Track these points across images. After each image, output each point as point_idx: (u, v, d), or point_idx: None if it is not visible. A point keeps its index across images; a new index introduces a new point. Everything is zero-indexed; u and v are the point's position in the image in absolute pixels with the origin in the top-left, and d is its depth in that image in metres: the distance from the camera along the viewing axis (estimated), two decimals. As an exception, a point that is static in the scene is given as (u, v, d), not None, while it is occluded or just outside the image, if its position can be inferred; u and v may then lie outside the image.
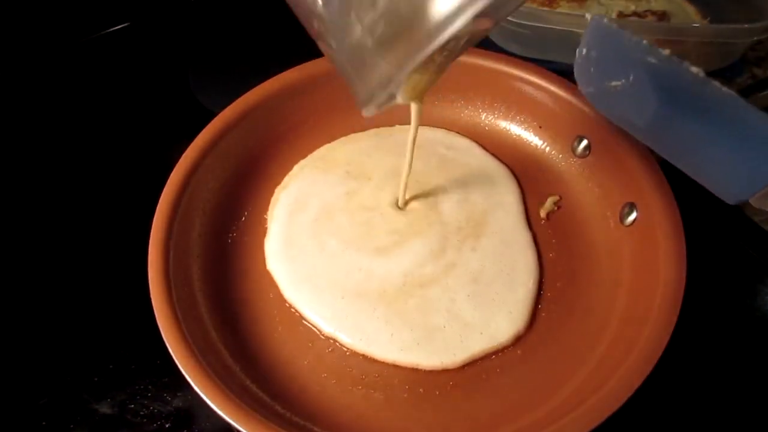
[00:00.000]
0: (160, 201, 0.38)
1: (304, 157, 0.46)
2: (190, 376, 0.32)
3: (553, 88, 0.44)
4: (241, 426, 0.31)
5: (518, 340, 0.37)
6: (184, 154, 0.41)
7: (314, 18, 0.26)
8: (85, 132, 0.51)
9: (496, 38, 0.54)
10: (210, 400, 0.32)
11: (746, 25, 0.47)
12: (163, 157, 0.41)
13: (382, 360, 0.36)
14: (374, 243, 0.40)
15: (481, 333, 0.37)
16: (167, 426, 0.35)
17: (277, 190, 0.44)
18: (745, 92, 0.48)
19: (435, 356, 0.36)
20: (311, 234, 0.41)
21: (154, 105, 0.53)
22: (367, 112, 0.28)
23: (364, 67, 0.25)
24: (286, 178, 0.44)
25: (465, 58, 0.42)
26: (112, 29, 0.59)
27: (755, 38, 0.48)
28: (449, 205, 0.42)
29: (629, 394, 0.31)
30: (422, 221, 0.41)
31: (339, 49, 0.26)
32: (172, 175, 0.39)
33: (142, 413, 0.36)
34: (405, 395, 0.35)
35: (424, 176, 0.43)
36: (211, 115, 0.43)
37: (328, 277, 0.39)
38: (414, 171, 0.40)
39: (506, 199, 0.43)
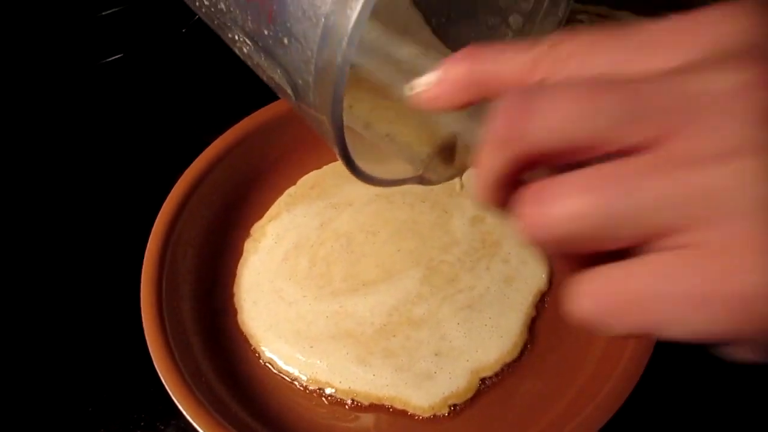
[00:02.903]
0: (151, 237, 0.39)
1: (294, 184, 0.47)
2: (182, 405, 0.33)
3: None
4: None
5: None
6: (175, 186, 0.42)
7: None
8: (75, 163, 0.52)
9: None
10: (202, 428, 0.32)
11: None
12: (155, 188, 0.42)
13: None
14: (337, 283, 0.40)
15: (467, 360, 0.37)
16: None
17: (263, 221, 0.45)
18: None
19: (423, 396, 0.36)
20: (272, 277, 0.41)
21: (146, 135, 0.54)
22: (361, 177, 0.27)
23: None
24: (275, 207, 0.45)
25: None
26: (106, 60, 0.60)
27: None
28: (461, 222, 0.43)
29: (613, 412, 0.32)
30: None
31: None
32: (163, 208, 0.40)
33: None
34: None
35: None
36: (203, 145, 0.44)
37: (290, 326, 0.39)
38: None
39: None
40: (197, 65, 0.59)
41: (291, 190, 0.46)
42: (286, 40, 0.24)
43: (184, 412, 0.33)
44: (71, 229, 0.47)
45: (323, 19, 0.22)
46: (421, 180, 0.31)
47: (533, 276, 0.41)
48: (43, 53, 0.59)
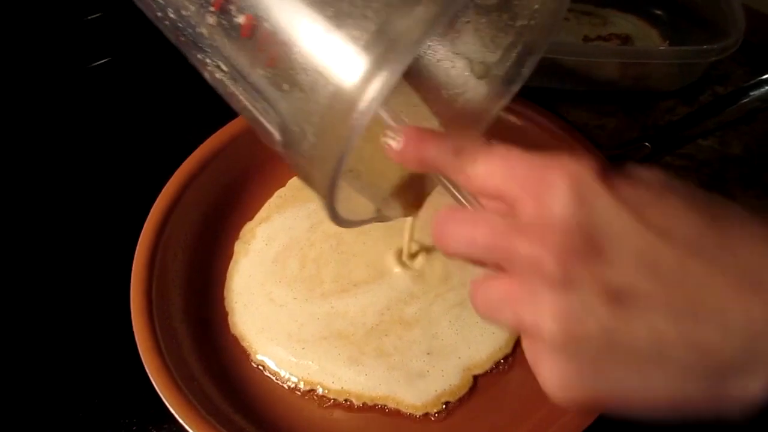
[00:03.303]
0: (140, 240, 0.39)
1: (284, 185, 0.46)
2: (173, 408, 0.33)
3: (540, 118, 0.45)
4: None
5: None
6: (164, 188, 0.41)
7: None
8: (65, 165, 0.51)
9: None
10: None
11: (705, 47, 0.49)
12: (144, 190, 0.42)
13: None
14: (328, 285, 0.40)
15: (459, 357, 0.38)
16: (152, 458, 0.36)
17: (253, 223, 0.44)
18: (708, 110, 0.50)
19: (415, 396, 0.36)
20: (262, 280, 0.41)
21: (135, 138, 0.53)
22: (339, 223, 0.28)
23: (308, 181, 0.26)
24: (265, 209, 0.45)
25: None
26: (94, 64, 0.60)
27: (714, 58, 0.50)
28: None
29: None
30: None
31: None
32: (152, 210, 0.40)
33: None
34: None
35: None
36: (192, 147, 0.43)
37: (282, 329, 0.39)
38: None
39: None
40: (185, 67, 0.58)
41: (281, 191, 0.46)
42: (286, 86, 0.24)
43: (176, 415, 0.33)
44: (61, 231, 0.47)
45: (337, 79, 0.22)
46: (380, 217, 0.32)
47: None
48: (30, 57, 0.58)
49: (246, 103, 0.26)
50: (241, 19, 0.24)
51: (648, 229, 0.22)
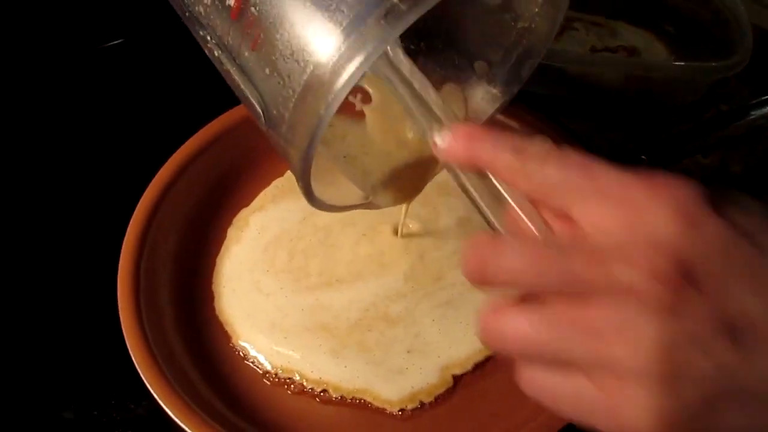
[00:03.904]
0: (132, 219, 0.39)
1: (282, 175, 0.47)
2: (150, 385, 0.33)
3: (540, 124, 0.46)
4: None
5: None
6: (161, 169, 0.42)
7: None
8: (72, 145, 0.52)
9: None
10: (170, 410, 0.33)
11: (713, 63, 0.49)
12: (145, 171, 0.42)
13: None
14: (314, 278, 0.41)
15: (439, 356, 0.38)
16: (128, 434, 0.36)
17: (247, 211, 0.45)
18: (707, 125, 0.50)
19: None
20: (251, 268, 0.41)
21: (140, 119, 0.54)
22: (316, 205, 0.28)
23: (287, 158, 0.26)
24: (260, 198, 0.45)
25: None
26: (107, 45, 0.61)
27: (719, 76, 0.49)
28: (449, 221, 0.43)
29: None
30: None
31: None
32: (146, 192, 0.41)
33: (104, 420, 0.36)
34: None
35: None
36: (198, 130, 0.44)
37: (266, 317, 0.39)
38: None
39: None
40: (195, 51, 0.59)
41: (278, 181, 0.47)
42: (267, 71, 0.25)
43: (152, 392, 0.33)
44: (54, 207, 0.47)
45: (311, 67, 0.23)
46: (368, 204, 0.33)
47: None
48: (44, 36, 0.59)
49: (238, 82, 0.26)
50: (231, 1, 0.25)
51: (764, 256, 0.20)
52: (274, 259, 0.42)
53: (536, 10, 0.31)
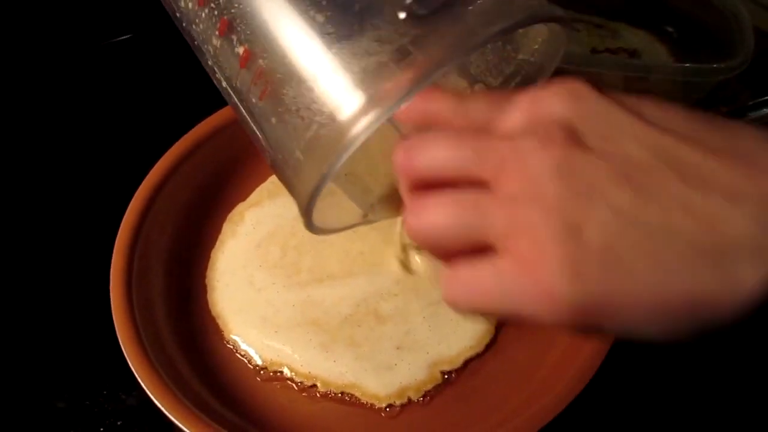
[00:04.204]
0: (127, 212, 0.40)
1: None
2: (139, 376, 0.34)
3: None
4: (187, 428, 0.32)
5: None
6: (158, 162, 0.42)
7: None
8: (76, 137, 0.53)
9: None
10: (159, 401, 0.33)
11: (711, 65, 0.49)
12: (143, 164, 0.43)
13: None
14: (305, 274, 0.41)
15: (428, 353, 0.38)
16: (119, 423, 0.36)
17: (244, 206, 0.45)
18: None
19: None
20: (245, 263, 0.42)
21: (149, 113, 0.54)
22: (313, 230, 0.29)
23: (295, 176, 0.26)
24: (257, 194, 0.46)
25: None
26: (114, 40, 0.62)
27: (719, 78, 0.49)
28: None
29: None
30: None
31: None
32: (142, 184, 0.41)
33: (96, 410, 0.37)
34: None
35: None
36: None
37: (258, 312, 0.39)
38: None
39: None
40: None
41: (275, 177, 0.47)
42: (273, 120, 0.25)
43: (142, 383, 0.33)
44: (50, 199, 0.48)
45: (315, 126, 0.23)
46: (365, 221, 0.34)
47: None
48: (51, 32, 0.60)
49: (244, 117, 0.27)
50: (240, 50, 0.25)
51: (648, 124, 0.22)
52: (267, 254, 0.42)
53: (536, 47, 0.32)
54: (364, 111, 0.22)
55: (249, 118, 0.27)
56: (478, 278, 0.22)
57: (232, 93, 0.28)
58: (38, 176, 0.49)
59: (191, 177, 0.44)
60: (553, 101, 0.22)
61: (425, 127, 0.25)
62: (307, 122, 0.23)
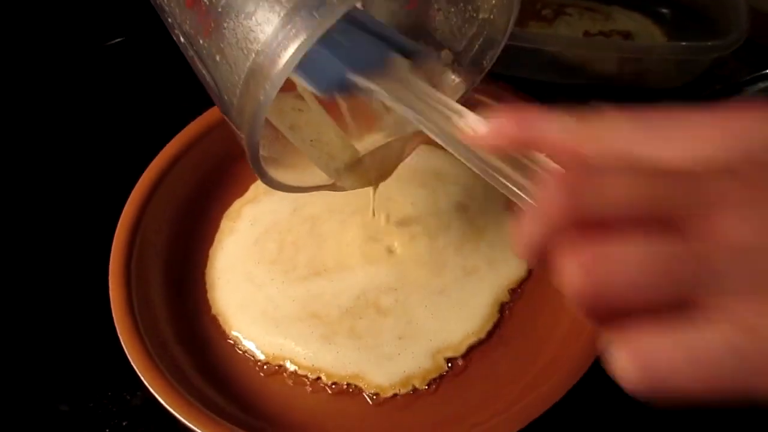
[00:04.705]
0: (124, 210, 0.40)
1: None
2: (142, 375, 0.33)
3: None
4: (194, 426, 0.32)
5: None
6: (154, 160, 0.43)
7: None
8: (72, 137, 0.53)
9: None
10: (163, 399, 0.33)
11: (704, 43, 0.49)
12: (139, 162, 0.43)
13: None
14: (303, 268, 0.40)
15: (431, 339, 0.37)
16: (124, 424, 0.36)
17: (241, 202, 0.45)
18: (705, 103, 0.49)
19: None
20: (243, 259, 0.41)
21: (143, 113, 0.54)
22: (275, 186, 0.29)
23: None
24: (253, 189, 0.45)
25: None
26: (108, 43, 0.62)
27: (713, 56, 0.49)
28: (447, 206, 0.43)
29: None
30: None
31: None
32: (139, 182, 0.41)
33: (100, 412, 0.37)
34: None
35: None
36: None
37: (258, 308, 0.39)
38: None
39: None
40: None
41: (272, 172, 0.47)
42: (218, 57, 0.26)
43: (145, 382, 0.33)
44: (48, 198, 0.48)
45: (253, 55, 0.24)
46: (333, 187, 0.34)
47: (515, 261, 0.41)
48: (45, 34, 0.60)
49: (199, 68, 0.27)
50: None
51: None
52: (264, 250, 0.42)
53: (493, 1, 0.33)
54: (298, 33, 0.23)
55: (201, 65, 0.28)
56: (700, 349, 0.17)
57: (185, 41, 0.28)
58: (34, 178, 0.49)
59: (187, 175, 0.44)
60: (753, 127, 0.19)
61: (517, 147, 0.22)
62: (245, 53, 0.24)
